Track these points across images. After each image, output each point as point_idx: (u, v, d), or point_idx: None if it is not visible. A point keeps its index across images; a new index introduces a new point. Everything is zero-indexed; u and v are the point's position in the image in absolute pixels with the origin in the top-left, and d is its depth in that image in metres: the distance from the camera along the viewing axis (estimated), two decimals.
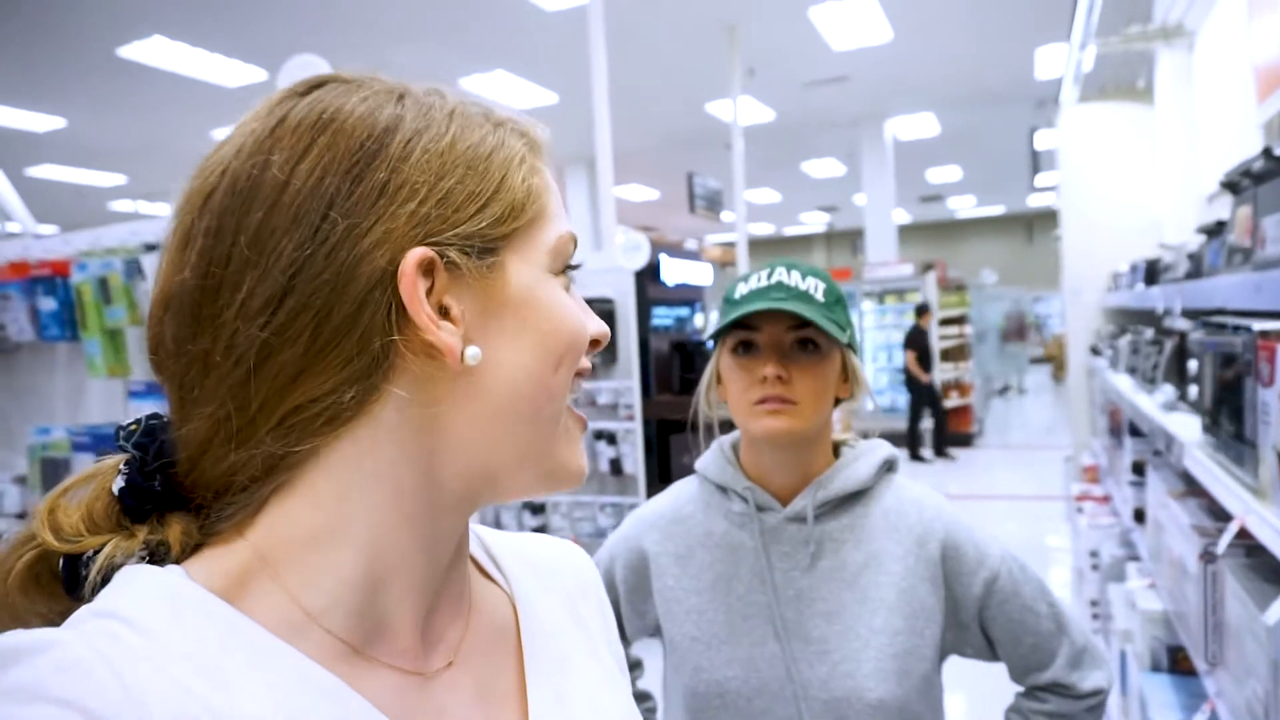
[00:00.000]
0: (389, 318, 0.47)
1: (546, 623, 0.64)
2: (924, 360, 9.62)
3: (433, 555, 0.54)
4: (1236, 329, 1.61)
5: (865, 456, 1.21)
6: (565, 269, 0.56)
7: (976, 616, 1.17)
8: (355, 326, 0.47)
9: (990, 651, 1.21)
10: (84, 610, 0.46)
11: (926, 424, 9.97)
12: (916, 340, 9.68)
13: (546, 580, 0.68)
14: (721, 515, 1.22)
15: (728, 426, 1.24)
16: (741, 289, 1.16)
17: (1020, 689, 1.24)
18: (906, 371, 9.81)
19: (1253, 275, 1.57)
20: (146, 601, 0.46)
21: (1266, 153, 1.47)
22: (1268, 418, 1.36)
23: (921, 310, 9.95)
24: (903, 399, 10.94)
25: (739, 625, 1.15)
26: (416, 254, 0.48)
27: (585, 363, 0.56)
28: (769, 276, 1.15)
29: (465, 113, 0.54)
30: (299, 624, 0.49)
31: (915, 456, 9.67)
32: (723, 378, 1.19)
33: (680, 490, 1.30)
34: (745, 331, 1.14)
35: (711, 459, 1.25)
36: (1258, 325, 1.49)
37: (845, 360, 1.19)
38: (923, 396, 9.71)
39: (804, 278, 1.14)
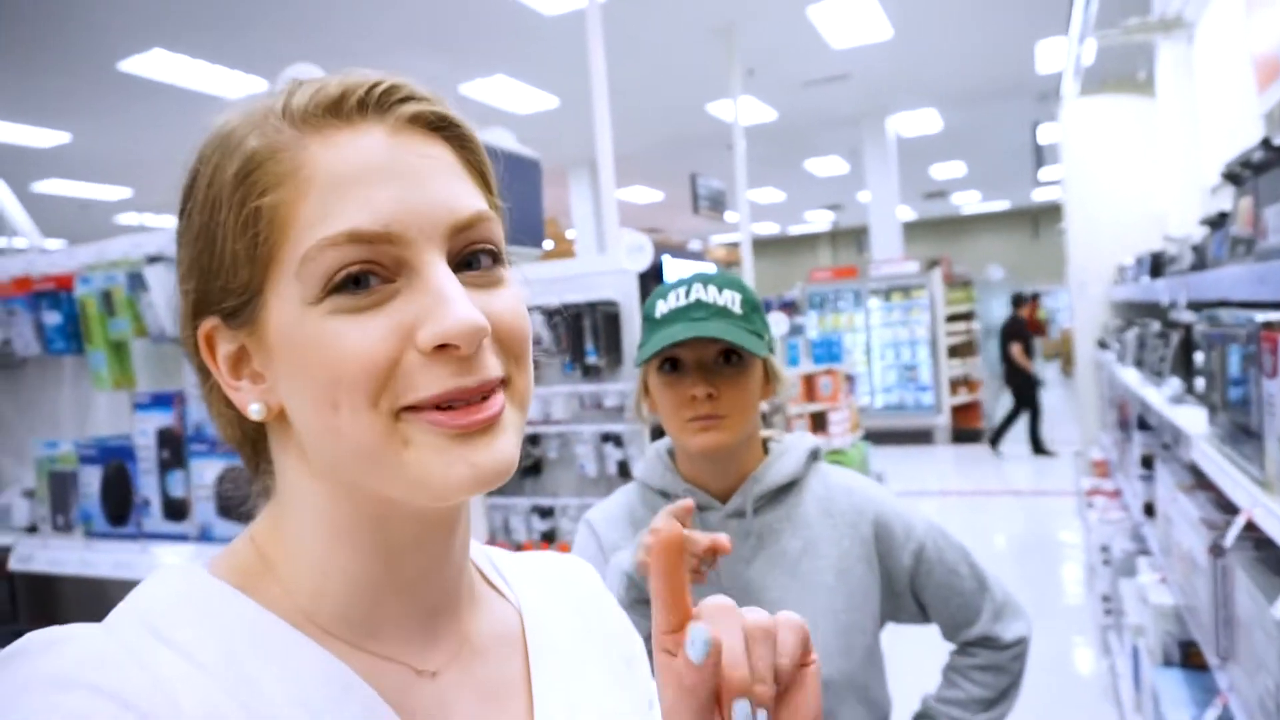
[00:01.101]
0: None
1: (554, 630, 0.64)
2: (1029, 351, 9.36)
3: (410, 560, 0.54)
4: (1240, 320, 1.59)
5: (792, 450, 1.29)
6: (334, 290, 0.47)
7: (909, 586, 1.28)
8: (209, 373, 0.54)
9: (923, 616, 1.32)
10: (117, 609, 0.48)
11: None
12: (1019, 331, 9.42)
13: (554, 592, 0.68)
14: None
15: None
16: (662, 307, 1.21)
17: (953, 647, 1.35)
18: (1010, 365, 9.52)
19: (1256, 266, 1.57)
20: (173, 599, 0.49)
21: (1266, 143, 1.46)
22: (1273, 409, 1.35)
23: (1019, 301, 9.70)
24: (912, 398, 10.91)
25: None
26: (202, 328, 0.52)
27: (461, 349, 0.48)
28: (687, 294, 1.19)
29: (216, 155, 0.51)
30: (302, 620, 0.51)
31: (1038, 450, 9.31)
32: (651, 393, 1.24)
33: (625, 496, 1.35)
34: (671, 350, 1.17)
35: (650, 466, 1.31)
36: (1261, 316, 1.48)
37: (767, 365, 1.24)
38: (1027, 389, 9.41)
39: (720, 291, 1.19)
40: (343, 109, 0.50)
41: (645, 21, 7.26)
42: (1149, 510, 2.90)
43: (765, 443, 1.32)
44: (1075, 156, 5.56)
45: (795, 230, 23.83)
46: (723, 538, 1.03)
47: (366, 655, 0.52)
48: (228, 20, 6.47)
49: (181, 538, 2.03)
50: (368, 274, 0.47)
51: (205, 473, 1.97)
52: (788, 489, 1.27)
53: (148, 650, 0.45)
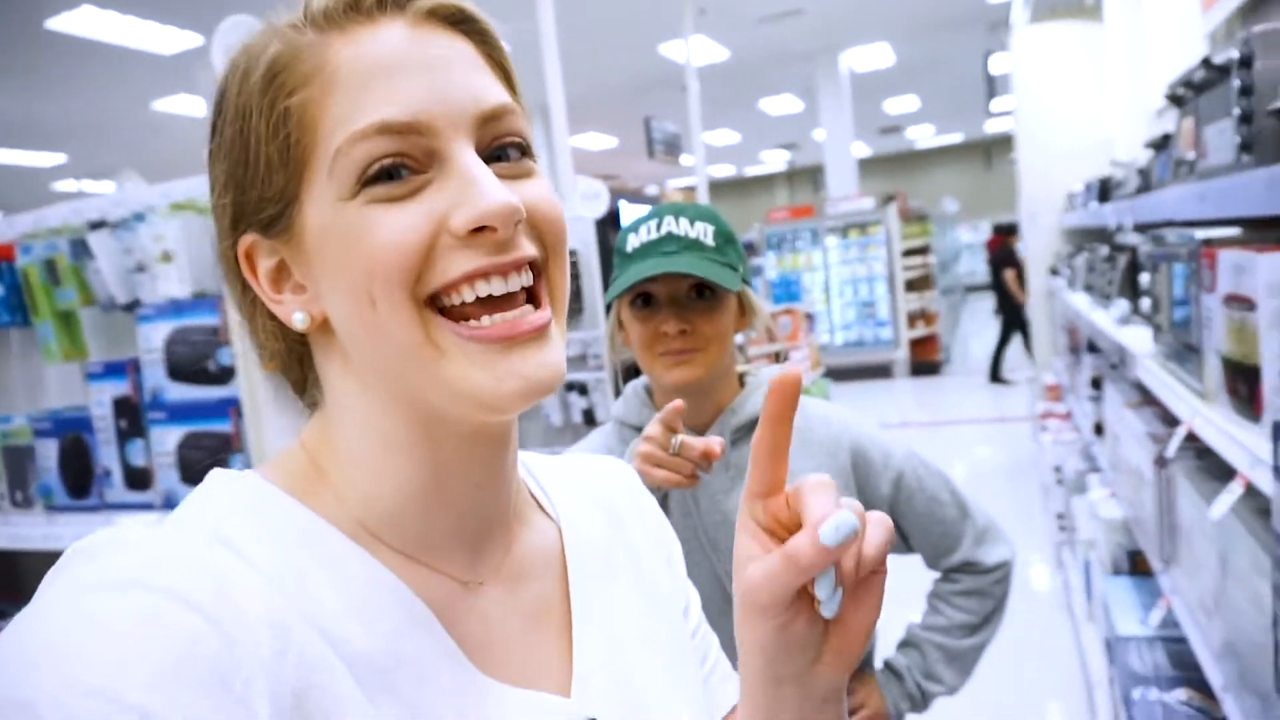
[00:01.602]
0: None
1: (590, 543, 0.65)
2: (1022, 278, 8.98)
3: (459, 474, 0.54)
4: (1182, 239, 1.64)
5: (767, 382, 1.27)
6: (367, 183, 0.47)
7: (889, 513, 1.24)
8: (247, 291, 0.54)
9: (905, 545, 1.32)
10: (176, 512, 0.49)
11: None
12: (1011, 258, 9.17)
13: (590, 499, 0.68)
14: None
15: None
16: (633, 241, 1.19)
17: (937, 575, 1.36)
18: (1000, 292, 9.37)
19: (1197, 185, 1.60)
20: (232, 504, 0.50)
21: (1205, 62, 1.49)
22: (1211, 323, 1.40)
23: (1010, 229, 9.37)
24: (870, 334, 11.04)
25: None
26: (241, 244, 0.52)
27: (497, 231, 0.48)
28: (658, 227, 1.17)
29: (243, 63, 0.51)
30: (354, 528, 0.52)
31: (996, 378, 9.26)
32: (625, 327, 1.24)
33: (602, 437, 1.34)
34: (642, 285, 1.16)
35: (627, 404, 1.31)
36: (1201, 234, 1.52)
37: (742, 297, 1.23)
38: (1015, 318, 9.23)
39: (692, 223, 1.17)
40: (362, 5, 0.50)
41: None
42: (1098, 430, 3.00)
43: (742, 377, 1.31)
44: (1026, 85, 5.59)
45: (752, 172, 23.74)
46: (715, 441, 1.03)
47: (415, 564, 0.53)
48: None
49: (147, 506, 2.01)
50: (399, 166, 0.47)
51: (166, 440, 1.95)
52: None
53: (210, 553, 0.45)
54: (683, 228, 1.16)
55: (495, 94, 0.51)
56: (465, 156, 0.49)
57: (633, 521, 0.70)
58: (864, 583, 0.47)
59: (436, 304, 0.49)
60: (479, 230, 0.48)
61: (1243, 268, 1.21)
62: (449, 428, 0.52)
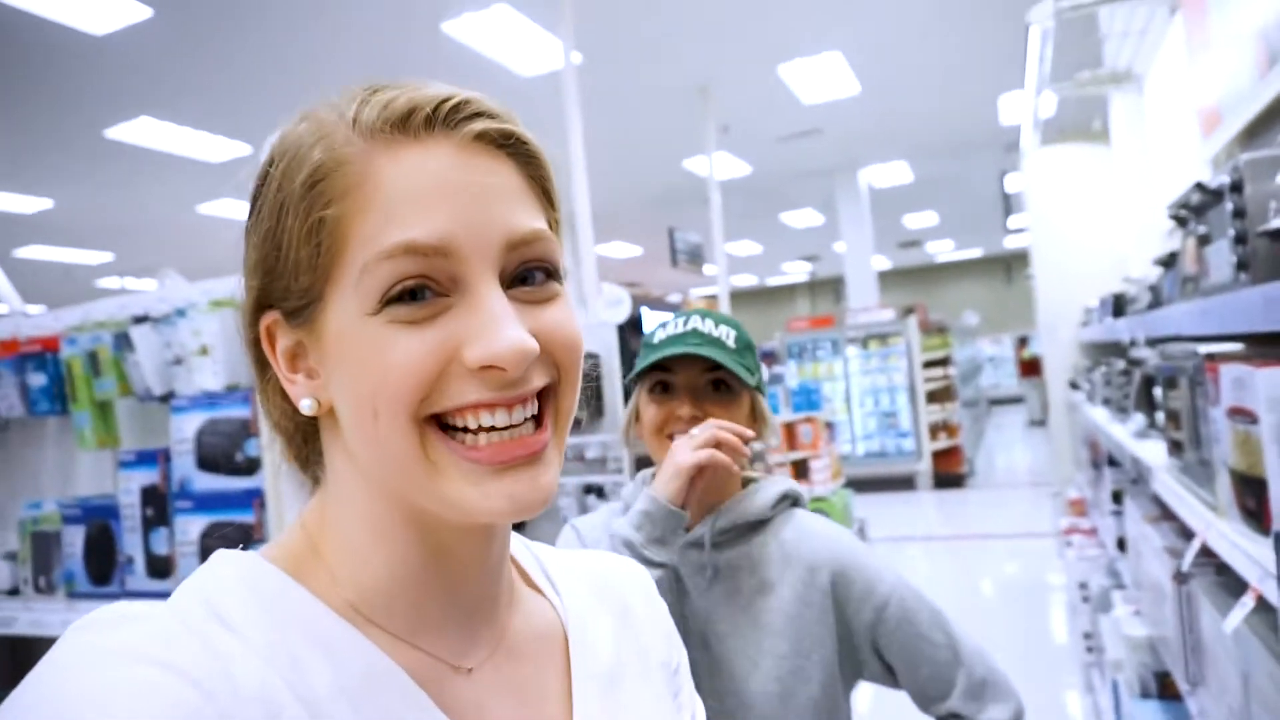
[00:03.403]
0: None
1: (598, 634, 0.64)
2: None
3: (447, 563, 0.55)
4: (1186, 353, 1.67)
5: (765, 490, 1.29)
6: (390, 301, 0.48)
7: (870, 643, 1.22)
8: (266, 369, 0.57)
9: (891, 678, 1.24)
10: (180, 589, 0.51)
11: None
12: None
13: (602, 594, 0.68)
14: None
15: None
16: (660, 334, 1.27)
17: None
18: None
19: (1201, 302, 1.65)
20: (231, 582, 0.51)
21: (1199, 186, 1.56)
22: (1218, 436, 1.42)
23: None
24: (893, 444, 10.97)
25: None
26: (264, 320, 0.54)
27: (507, 371, 0.49)
28: (685, 324, 1.25)
29: (287, 157, 0.52)
30: (348, 610, 0.53)
31: None
32: (641, 417, 1.28)
33: (607, 513, 1.36)
34: (662, 373, 1.24)
35: (633, 487, 1.35)
36: (1204, 348, 1.55)
37: (754, 403, 1.28)
38: None
39: (716, 325, 1.25)
40: (410, 124, 0.50)
41: (620, 82, 7.47)
42: (1121, 545, 2.95)
43: (747, 481, 1.33)
44: (1039, 204, 5.74)
45: (773, 281, 24.12)
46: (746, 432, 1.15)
47: (408, 648, 0.54)
48: (213, 88, 6.60)
49: (165, 595, 2.02)
50: (423, 286, 0.48)
51: (189, 529, 1.98)
52: (755, 528, 1.27)
53: (209, 630, 0.47)
54: (707, 327, 1.24)
55: (527, 221, 0.52)
56: (487, 289, 0.49)
57: (645, 624, 0.70)
58: None
59: (438, 421, 0.50)
60: (489, 367, 0.49)
61: (1243, 382, 1.24)
62: (437, 521, 0.53)
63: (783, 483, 1.32)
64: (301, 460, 0.59)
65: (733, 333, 1.26)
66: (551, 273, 0.54)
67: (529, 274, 0.52)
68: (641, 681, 0.65)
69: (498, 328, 0.48)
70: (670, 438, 1.22)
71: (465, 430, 0.50)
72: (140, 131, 7.22)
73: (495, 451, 0.50)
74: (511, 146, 0.53)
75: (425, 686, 0.52)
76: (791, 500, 1.31)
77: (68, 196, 8.84)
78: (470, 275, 0.49)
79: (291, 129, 0.53)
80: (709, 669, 1.20)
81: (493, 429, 0.50)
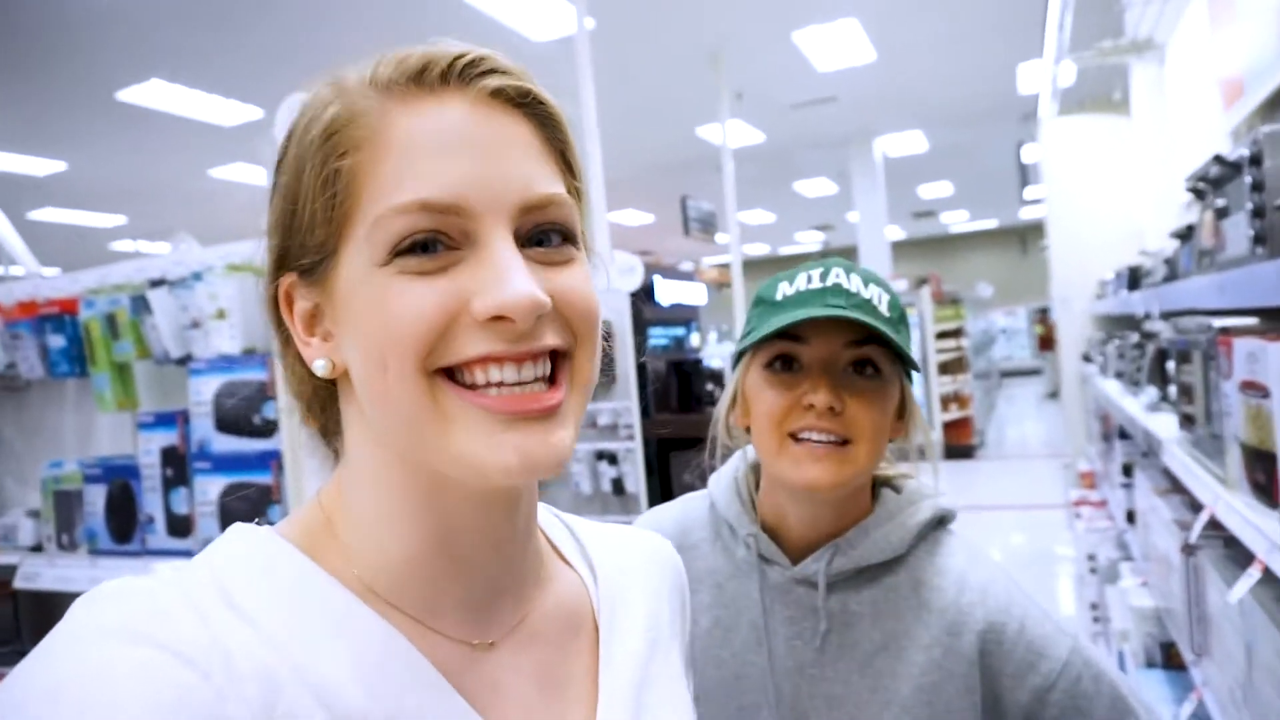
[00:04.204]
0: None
1: (628, 621, 0.63)
2: None
3: (465, 540, 0.54)
4: (1200, 327, 1.67)
5: (907, 511, 0.97)
6: (400, 253, 0.48)
7: None
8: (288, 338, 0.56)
9: None
10: (192, 561, 0.51)
11: None
12: None
13: (636, 574, 0.67)
14: (726, 553, 1.01)
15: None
16: (785, 289, 0.93)
17: None
18: None
19: (1217, 276, 1.64)
20: (242, 559, 0.51)
21: (1218, 159, 1.54)
22: (1230, 410, 1.43)
23: None
24: None
25: (730, 684, 0.95)
26: (282, 283, 0.54)
27: (515, 322, 0.48)
28: (823, 277, 0.91)
29: (306, 116, 0.52)
30: (362, 589, 0.52)
31: None
32: (748, 399, 0.95)
33: (690, 510, 1.07)
34: (788, 343, 0.91)
35: (724, 487, 1.03)
36: (1219, 322, 1.55)
37: (904, 393, 0.97)
38: None
39: (865, 284, 0.91)
40: (426, 78, 0.50)
41: (634, 47, 7.39)
42: (1130, 517, 2.96)
43: (876, 488, 1.00)
44: (1055, 175, 5.68)
45: (786, 251, 23.98)
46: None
47: (424, 629, 0.53)
48: (226, 51, 6.57)
49: (186, 554, 2.07)
50: (435, 240, 0.48)
51: (209, 489, 2.02)
52: (887, 565, 0.94)
53: (212, 609, 0.46)
54: (854, 284, 0.90)
55: (543, 183, 0.51)
56: (498, 242, 0.49)
57: (672, 604, 0.69)
58: None
59: (448, 375, 0.49)
60: (498, 319, 0.48)
61: (1256, 356, 1.24)
62: (457, 490, 0.52)
63: (929, 502, 0.98)
64: (321, 428, 0.59)
65: (886, 297, 0.92)
66: (568, 237, 0.53)
67: (545, 236, 0.52)
68: (664, 664, 0.64)
69: (507, 278, 0.47)
70: (794, 436, 0.89)
71: (474, 387, 0.49)
72: (152, 94, 7.20)
73: (507, 402, 0.48)
74: (529, 106, 0.53)
75: (441, 668, 0.51)
76: (939, 521, 0.98)
77: (81, 159, 8.85)
78: (482, 231, 0.49)
79: (314, 92, 0.53)
80: None
81: (501, 384, 0.49)
